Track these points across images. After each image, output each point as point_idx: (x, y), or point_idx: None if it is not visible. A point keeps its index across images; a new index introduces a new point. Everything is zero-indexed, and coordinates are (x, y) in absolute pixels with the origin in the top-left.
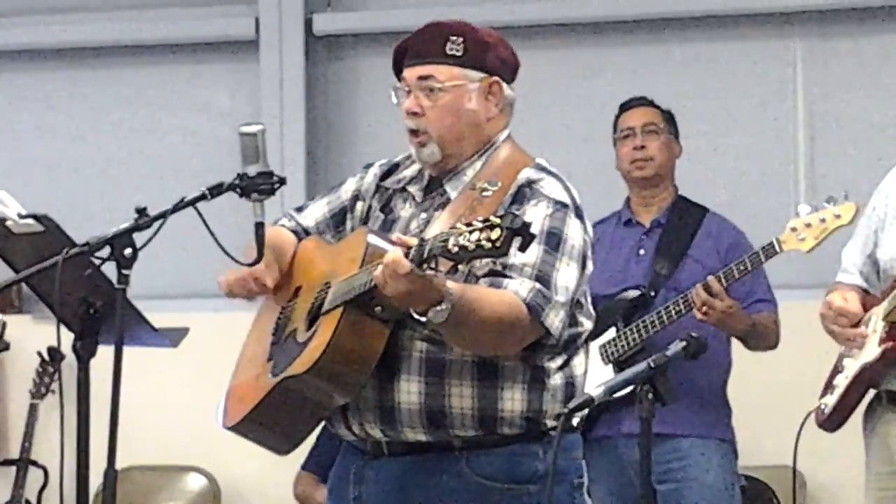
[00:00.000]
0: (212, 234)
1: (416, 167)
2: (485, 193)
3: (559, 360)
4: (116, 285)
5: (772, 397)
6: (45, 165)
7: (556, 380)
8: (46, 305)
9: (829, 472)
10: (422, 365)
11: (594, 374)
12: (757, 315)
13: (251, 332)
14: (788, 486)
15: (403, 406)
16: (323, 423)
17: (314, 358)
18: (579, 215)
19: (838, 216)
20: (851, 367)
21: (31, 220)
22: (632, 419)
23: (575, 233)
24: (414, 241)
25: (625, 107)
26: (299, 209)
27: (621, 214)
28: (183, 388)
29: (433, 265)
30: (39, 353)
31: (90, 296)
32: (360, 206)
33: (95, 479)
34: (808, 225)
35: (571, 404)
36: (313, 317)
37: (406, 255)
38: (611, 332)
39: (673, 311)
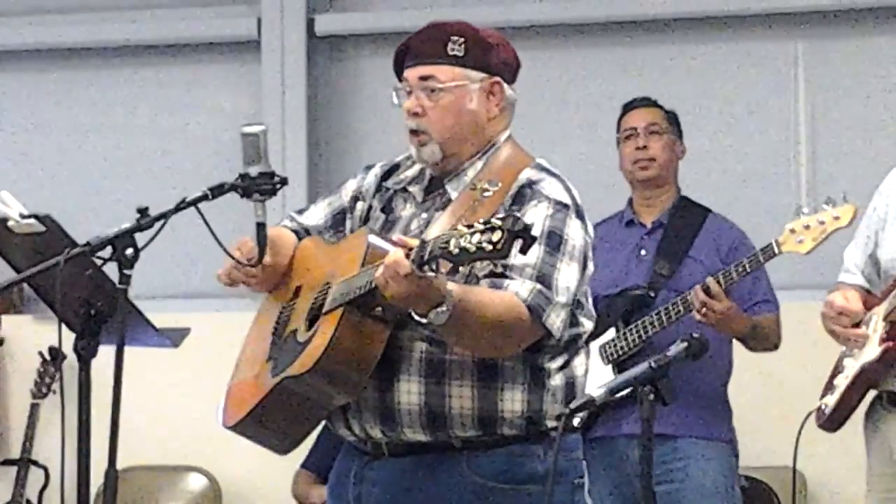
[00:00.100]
0: (213, 234)
1: (417, 167)
2: (485, 194)
3: (559, 361)
4: (118, 285)
5: (772, 397)
6: (46, 165)
7: (557, 380)
8: (48, 305)
9: (829, 472)
10: (422, 365)
11: (594, 374)
12: (758, 316)
13: (251, 332)
14: (789, 487)
15: (403, 406)
16: (323, 423)
17: (314, 358)
18: (580, 216)
19: (837, 218)
20: (852, 367)
21: (32, 221)
22: (632, 419)
23: (576, 233)
24: (415, 243)
25: (628, 107)
26: (300, 211)
27: (623, 215)
28: (184, 389)
29: (434, 267)
30: (40, 353)
31: (91, 296)
32: (360, 206)
33: (96, 479)
34: (807, 227)
35: (573, 405)
36: (313, 317)
37: (407, 257)
38: (610, 333)
39: (672, 312)
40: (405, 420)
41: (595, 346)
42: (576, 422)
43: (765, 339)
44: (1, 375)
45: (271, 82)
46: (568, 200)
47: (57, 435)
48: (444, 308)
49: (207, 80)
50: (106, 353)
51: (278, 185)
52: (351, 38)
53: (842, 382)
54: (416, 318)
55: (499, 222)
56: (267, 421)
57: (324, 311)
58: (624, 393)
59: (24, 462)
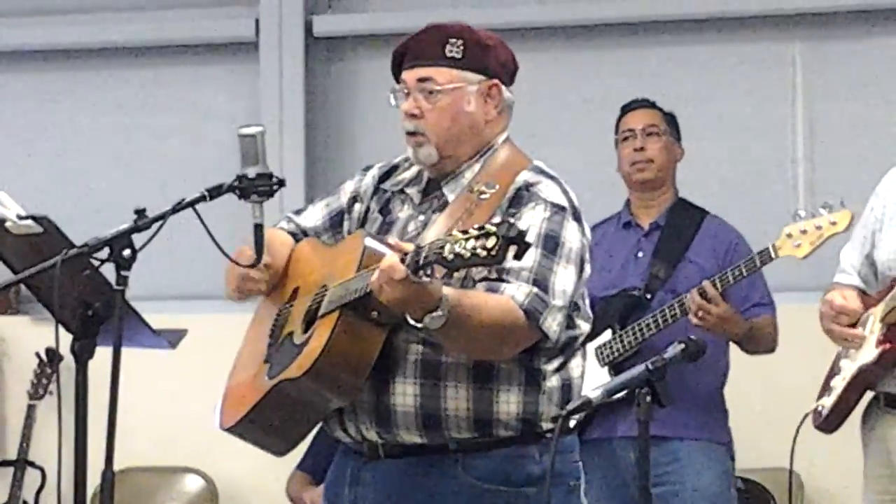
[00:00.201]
0: (211, 235)
1: (415, 169)
2: (482, 196)
3: (556, 363)
4: (115, 286)
5: (769, 399)
6: (44, 166)
7: (553, 382)
8: (45, 306)
9: (826, 473)
10: (417, 367)
11: (590, 375)
12: (755, 319)
13: (248, 333)
14: (785, 488)
15: (399, 408)
16: (319, 424)
17: (310, 362)
18: (577, 218)
19: (834, 223)
20: (848, 368)
21: (30, 222)
22: (628, 421)
23: (572, 236)
24: (410, 247)
25: (626, 108)
26: (298, 212)
27: (621, 216)
28: (181, 390)
29: (429, 272)
30: (38, 354)
31: (89, 297)
32: (357, 207)
33: (93, 480)
34: (804, 231)
35: (570, 406)
36: (310, 319)
37: (402, 261)
38: (607, 335)
39: (669, 315)
40: (401, 422)
41: (591, 347)
42: (572, 423)
43: (762, 343)
44: None
45: (269, 83)
46: (565, 203)
47: (54, 436)
48: (439, 313)
49: (205, 81)
50: (103, 354)
51: (276, 187)
52: (349, 40)
53: (839, 384)
54: (412, 322)
55: (493, 228)
56: (264, 423)
57: (320, 314)
58: (621, 394)
59: (21, 463)
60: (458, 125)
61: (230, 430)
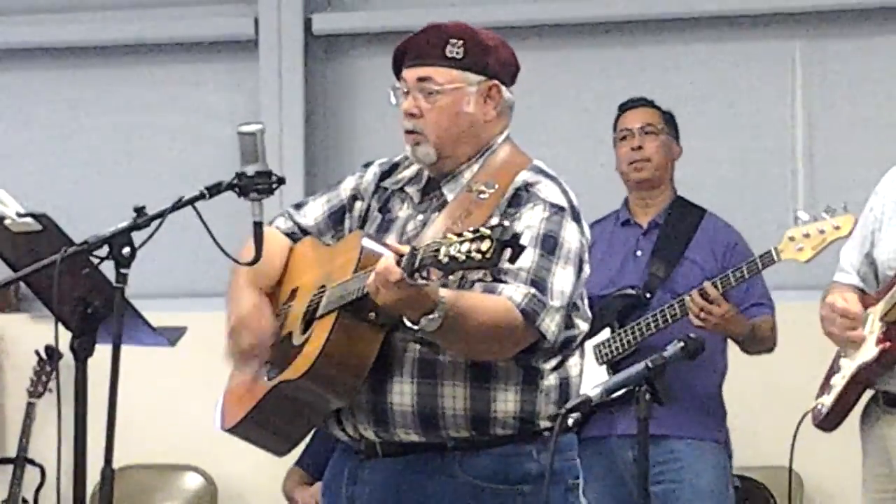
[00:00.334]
0: (210, 233)
1: (415, 168)
2: (482, 196)
3: (553, 362)
4: (114, 284)
5: (769, 397)
6: (43, 164)
7: (550, 380)
8: (44, 304)
9: (825, 472)
10: (415, 366)
11: (588, 374)
12: (755, 319)
13: None
14: (785, 487)
15: (396, 407)
16: None
17: (308, 363)
18: (576, 218)
19: (837, 228)
20: (848, 367)
21: (29, 219)
22: (626, 420)
23: (571, 236)
24: (406, 249)
25: (624, 107)
26: (298, 206)
27: (619, 214)
28: (180, 388)
29: (425, 274)
30: (37, 352)
31: (88, 295)
32: (358, 205)
33: (92, 478)
34: (807, 235)
35: (569, 404)
36: (308, 320)
37: (398, 264)
38: (605, 333)
39: (669, 315)
40: (398, 421)
41: (590, 346)
42: (570, 421)
43: (761, 342)
44: None
45: (269, 81)
46: (564, 203)
47: (53, 434)
48: (435, 315)
49: (205, 79)
50: (102, 351)
51: (275, 185)
52: (348, 38)
53: (838, 382)
54: (408, 324)
55: (488, 231)
56: (264, 424)
57: (318, 315)
58: (620, 393)
59: (21, 461)
60: (456, 125)
61: (231, 431)
